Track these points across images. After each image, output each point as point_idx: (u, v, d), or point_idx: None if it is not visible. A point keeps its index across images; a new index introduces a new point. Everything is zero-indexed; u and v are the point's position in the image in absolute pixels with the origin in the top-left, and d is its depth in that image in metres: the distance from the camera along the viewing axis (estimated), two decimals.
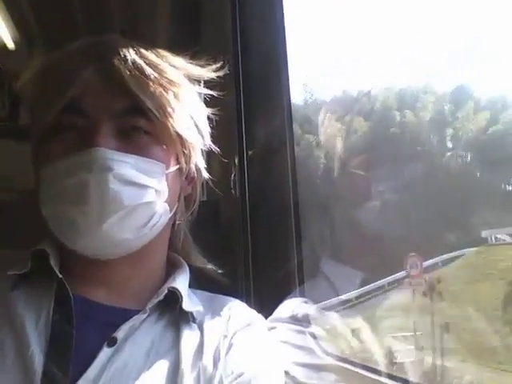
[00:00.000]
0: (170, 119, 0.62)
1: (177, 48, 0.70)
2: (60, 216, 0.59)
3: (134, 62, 0.61)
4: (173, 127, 0.63)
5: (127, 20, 1.30)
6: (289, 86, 0.97)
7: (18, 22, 1.45)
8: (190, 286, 0.70)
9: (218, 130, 0.75)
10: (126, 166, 0.59)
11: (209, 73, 0.69)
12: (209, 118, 0.73)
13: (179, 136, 0.64)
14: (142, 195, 0.60)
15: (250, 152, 1.00)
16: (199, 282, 0.73)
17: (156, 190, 0.61)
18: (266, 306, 0.78)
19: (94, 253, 0.61)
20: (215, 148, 0.75)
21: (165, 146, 0.64)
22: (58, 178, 0.59)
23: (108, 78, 0.61)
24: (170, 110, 0.62)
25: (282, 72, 0.98)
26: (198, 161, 0.69)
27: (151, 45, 0.67)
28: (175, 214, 0.68)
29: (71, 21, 1.28)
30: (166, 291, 0.64)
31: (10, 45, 1.47)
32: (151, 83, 0.61)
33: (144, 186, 0.60)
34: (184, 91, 0.66)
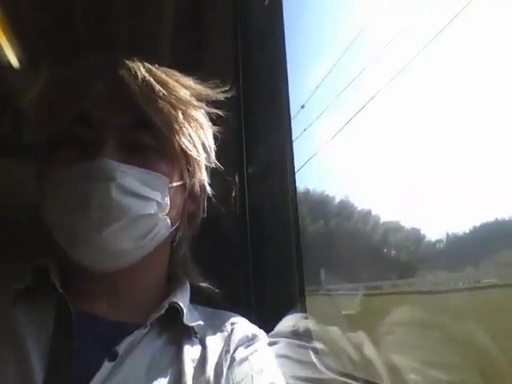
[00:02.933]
0: (176, 135, 0.63)
1: (179, 68, 0.71)
2: (62, 223, 0.60)
3: (143, 79, 0.62)
4: (178, 143, 0.64)
5: (130, 40, 1.32)
6: (289, 104, 0.99)
7: (21, 40, 1.47)
8: (191, 302, 0.70)
9: (219, 147, 0.76)
10: (129, 177, 0.60)
11: (216, 93, 0.70)
12: (215, 140, 0.73)
13: (184, 152, 0.65)
14: (144, 206, 0.61)
15: (250, 169, 1.01)
16: (200, 298, 0.73)
17: (158, 203, 0.62)
18: (267, 321, 0.78)
19: (93, 263, 0.61)
20: (217, 164, 0.76)
21: (169, 162, 0.64)
22: (62, 186, 0.60)
23: (117, 93, 0.62)
24: (176, 126, 0.63)
25: (282, 91, 1.00)
26: (203, 178, 0.70)
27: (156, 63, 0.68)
28: (177, 229, 0.69)
29: (75, 40, 1.30)
30: (167, 306, 0.64)
31: (15, 63, 1.49)
32: (159, 100, 0.62)
33: (146, 198, 0.61)
34: (191, 109, 0.67)
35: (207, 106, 0.70)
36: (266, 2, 1.02)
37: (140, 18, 1.27)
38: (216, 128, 0.72)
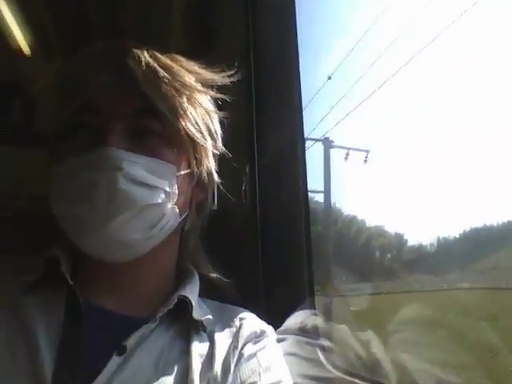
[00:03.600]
0: (181, 122, 0.63)
1: (189, 55, 0.70)
2: (69, 214, 0.60)
3: (148, 65, 0.62)
4: (184, 130, 0.63)
5: (140, 27, 1.31)
6: (300, 96, 0.98)
7: (34, 29, 1.47)
8: (199, 296, 0.70)
9: (230, 138, 0.75)
10: (136, 166, 0.59)
11: (221, 78, 0.69)
12: (221, 126, 0.72)
13: (191, 139, 0.65)
14: (152, 196, 0.60)
15: (260, 161, 1.00)
16: (209, 291, 0.73)
17: (166, 192, 0.61)
18: (275, 317, 0.78)
19: (102, 254, 0.61)
20: (228, 154, 0.75)
21: (176, 149, 0.64)
22: (69, 176, 0.60)
23: (122, 80, 0.62)
24: (182, 112, 0.63)
25: (295, 81, 0.98)
26: (210, 166, 0.69)
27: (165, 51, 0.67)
28: (186, 219, 0.68)
29: (86, 28, 1.30)
30: (176, 300, 0.64)
31: (27, 51, 1.49)
32: (164, 85, 0.62)
33: (154, 187, 0.60)
34: (197, 95, 0.66)
35: (216, 92, 0.69)
36: None
37: (150, 6, 1.26)
38: (222, 113, 0.71)
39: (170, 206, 0.62)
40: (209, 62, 0.70)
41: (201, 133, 0.66)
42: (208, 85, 0.68)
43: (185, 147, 0.65)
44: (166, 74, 0.62)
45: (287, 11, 0.99)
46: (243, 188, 0.99)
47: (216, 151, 0.70)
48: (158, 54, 0.65)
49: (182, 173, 0.64)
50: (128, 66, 0.61)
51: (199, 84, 0.67)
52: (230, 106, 0.74)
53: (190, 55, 0.69)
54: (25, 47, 1.49)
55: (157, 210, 0.61)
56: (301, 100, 0.98)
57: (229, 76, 0.69)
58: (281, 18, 1.02)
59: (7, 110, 1.28)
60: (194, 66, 0.68)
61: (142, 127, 0.62)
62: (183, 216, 0.66)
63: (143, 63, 0.62)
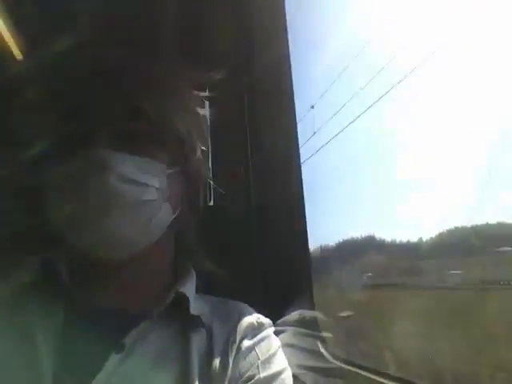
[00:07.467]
0: (168, 121, 0.64)
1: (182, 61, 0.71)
2: (63, 215, 0.60)
3: (134, 69, 0.65)
4: (172, 129, 0.65)
5: (133, 34, 1.32)
6: (293, 96, 0.99)
7: (26, 36, 1.47)
8: (197, 292, 0.70)
9: (224, 137, 0.76)
10: (126, 165, 0.60)
11: (209, 78, 0.71)
12: (217, 127, 0.73)
13: (178, 137, 0.66)
14: (143, 193, 0.61)
15: (254, 159, 1.00)
16: (206, 287, 0.73)
17: (157, 189, 0.62)
18: (274, 311, 0.78)
19: (98, 252, 0.61)
20: (223, 155, 0.76)
21: (164, 148, 0.65)
22: (61, 180, 0.61)
23: (109, 84, 0.63)
24: (168, 112, 0.64)
25: (287, 81, 0.99)
26: (199, 163, 0.70)
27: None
28: (179, 216, 0.68)
29: (79, 31, 1.30)
30: (173, 296, 0.64)
31: (18, 56, 1.49)
32: (150, 87, 0.64)
33: (144, 185, 0.61)
34: (183, 95, 0.68)
35: (213, 98, 0.70)
36: None
37: (146, 14, 1.27)
38: (214, 113, 0.73)
39: (161, 202, 0.63)
40: (201, 63, 0.71)
41: (188, 131, 0.67)
42: (196, 85, 0.70)
43: (172, 145, 0.66)
44: (151, 76, 0.65)
45: (279, 11, 1.00)
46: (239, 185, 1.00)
47: (204, 148, 0.71)
48: (144, 59, 0.67)
49: (171, 170, 0.65)
50: (114, 70, 0.63)
51: (185, 85, 0.68)
52: (224, 106, 0.75)
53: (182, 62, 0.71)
54: (16, 53, 1.49)
55: (149, 207, 0.62)
56: (293, 100, 0.99)
57: (217, 76, 0.71)
58: (272, 21, 1.04)
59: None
60: (181, 67, 0.70)
61: (130, 129, 0.63)
62: (176, 213, 0.67)
63: (129, 68, 0.64)
